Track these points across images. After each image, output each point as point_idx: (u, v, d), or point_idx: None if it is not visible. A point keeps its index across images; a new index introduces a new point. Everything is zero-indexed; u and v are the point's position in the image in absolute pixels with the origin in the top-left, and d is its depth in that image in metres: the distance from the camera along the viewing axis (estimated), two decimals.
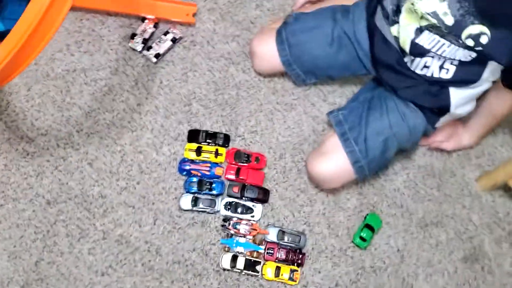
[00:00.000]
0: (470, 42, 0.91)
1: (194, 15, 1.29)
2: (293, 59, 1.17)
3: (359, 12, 1.12)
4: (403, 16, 0.97)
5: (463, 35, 0.91)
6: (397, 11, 0.99)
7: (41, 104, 1.22)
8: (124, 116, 1.23)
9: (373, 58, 1.10)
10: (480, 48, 0.91)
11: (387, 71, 1.08)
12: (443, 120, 1.10)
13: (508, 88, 1.00)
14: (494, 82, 1.03)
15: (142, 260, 1.16)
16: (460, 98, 1.02)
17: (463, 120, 1.20)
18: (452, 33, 0.91)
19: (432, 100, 1.05)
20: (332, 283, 1.18)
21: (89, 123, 1.22)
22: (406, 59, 1.03)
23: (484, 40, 0.90)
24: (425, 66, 1.01)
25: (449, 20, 0.91)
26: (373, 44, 1.08)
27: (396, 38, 1.01)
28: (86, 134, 1.21)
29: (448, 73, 1.00)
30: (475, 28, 0.89)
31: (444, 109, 1.05)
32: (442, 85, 1.02)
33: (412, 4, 0.93)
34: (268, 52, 1.19)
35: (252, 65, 1.26)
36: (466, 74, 0.99)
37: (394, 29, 1.01)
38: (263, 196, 1.21)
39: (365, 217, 1.21)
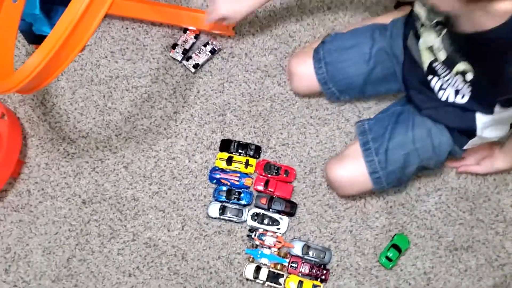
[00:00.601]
0: (460, 78, 0.92)
1: (234, 28, 1.32)
2: (329, 77, 1.17)
3: (397, 28, 1.12)
4: (422, 40, 0.97)
5: (454, 71, 0.92)
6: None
7: (84, 107, 1.28)
8: (161, 122, 1.27)
9: (403, 75, 1.10)
10: (468, 85, 0.92)
11: (413, 90, 1.08)
12: (472, 143, 1.07)
13: None
14: None
15: (168, 264, 1.19)
16: (486, 122, 1.00)
17: (501, 143, 1.17)
18: (446, 68, 0.92)
19: (456, 120, 1.03)
20: None
21: (127, 128, 1.27)
22: (429, 78, 1.02)
23: (469, 77, 0.91)
24: (441, 88, 1.00)
25: (443, 55, 0.92)
26: (404, 60, 1.08)
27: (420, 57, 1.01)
28: (124, 138, 1.26)
29: (463, 98, 0.99)
30: (463, 65, 0.90)
31: (470, 131, 1.03)
32: (466, 109, 1.00)
33: (420, 33, 0.94)
34: (306, 72, 1.20)
35: (290, 85, 1.27)
36: (481, 103, 0.97)
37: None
38: (290, 209, 1.22)
39: (392, 237, 1.20)
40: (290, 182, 1.24)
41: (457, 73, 0.93)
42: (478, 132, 1.02)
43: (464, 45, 0.87)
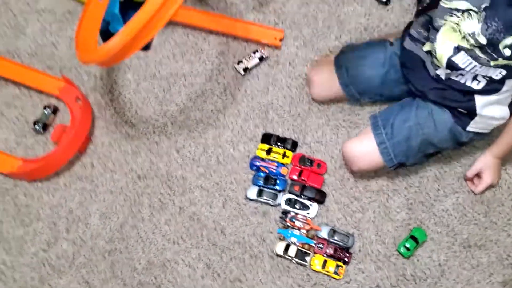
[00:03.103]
0: (508, 52, 1.05)
1: (281, 39, 1.51)
2: (349, 80, 1.34)
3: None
4: (442, 34, 1.12)
5: (501, 47, 1.05)
6: (430, 30, 1.15)
7: (145, 97, 1.47)
8: (211, 115, 1.45)
9: (402, 68, 1.28)
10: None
11: (415, 78, 1.25)
12: (476, 125, 1.21)
13: None
14: None
15: (208, 236, 1.33)
16: (485, 102, 1.16)
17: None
18: (489, 50, 1.06)
19: (455, 101, 1.19)
20: (373, 283, 1.28)
21: (182, 118, 1.45)
22: (439, 72, 1.17)
23: None
24: (460, 74, 1.15)
25: (483, 40, 1.06)
26: (404, 60, 1.27)
27: (429, 52, 1.17)
28: (178, 126, 1.44)
29: (479, 84, 1.14)
30: (509, 40, 1.04)
31: (470, 110, 1.18)
32: (467, 92, 1.15)
33: (457, 24, 1.08)
34: (324, 79, 1.38)
35: (309, 93, 1.44)
36: (492, 86, 1.13)
37: (426, 47, 1.18)
38: (320, 197, 1.36)
39: (411, 230, 1.32)
40: (321, 174, 1.38)
41: (504, 48, 1.05)
42: (478, 110, 1.17)
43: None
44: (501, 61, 1.08)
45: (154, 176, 1.39)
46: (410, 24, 1.27)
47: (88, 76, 1.49)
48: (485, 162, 1.32)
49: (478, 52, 1.09)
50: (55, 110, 1.45)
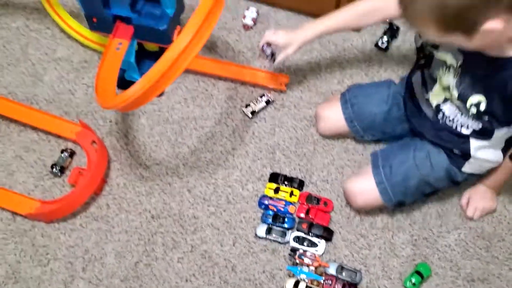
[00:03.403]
0: (474, 110, 1.14)
1: (286, 84, 1.59)
2: (354, 116, 1.42)
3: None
4: (437, 86, 1.22)
5: (467, 105, 1.14)
6: (429, 81, 1.25)
7: (159, 141, 1.54)
8: (221, 156, 1.51)
9: (405, 108, 1.35)
10: (481, 114, 1.14)
11: (413, 118, 1.33)
12: (469, 165, 1.28)
13: None
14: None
15: (220, 273, 1.38)
16: (479, 145, 1.23)
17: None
18: (460, 104, 1.16)
19: (451, 143, 1.26)
20: None
21: (193, 159, 1.51)
22: (434, 115, 1.26)
23: (482, 107, 1.12)
24: (450, 120, 1.23)
25: (455, 94, 1.16)
26: (406, 99, 1.35)
27: (428, 101, 1.26)
28: (190, 167, 1.50)
29: (467, 130, 1.21)
30: (476, 97, 1.12)
31: (465, 152, 1.25)
32: (461, 135, 1.23)
33: (441, 76, 1.17)
34: (331, 115, 1.46)
35: (316, 128, 1.52)
36: (482, 133, 1.21)
37: (427, 95, 1.27)
38: (327, 235, 1.41)
39: (416, 265, 1.37)
40: (328, 212, 1.44)
41: (470, 106, 1.13)
42: (472, 152, 1.24)
43: (482, 75, 1.07)
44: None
45: (167, 216, 1.44)
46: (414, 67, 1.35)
47: (104, 121, 1.56)
48: (474, 189, 1.41)
49: (459, 104, 1.17)
50: (72, 154, 1.52)
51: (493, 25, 0.89)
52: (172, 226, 1.43)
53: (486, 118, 1.16)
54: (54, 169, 1.49)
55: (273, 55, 1.50)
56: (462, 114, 1.20)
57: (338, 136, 1.51)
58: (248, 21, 1.68)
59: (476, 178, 1.39)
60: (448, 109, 1.22)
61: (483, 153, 1.25)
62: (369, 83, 1.49)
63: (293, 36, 1.35)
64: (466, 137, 1.23)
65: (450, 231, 1.42)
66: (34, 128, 1.56)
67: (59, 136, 1.55)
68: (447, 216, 1.43)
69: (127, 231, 1.43)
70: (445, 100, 1.21)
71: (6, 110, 1.56)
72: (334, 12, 1.33)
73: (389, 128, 1.42)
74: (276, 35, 1.38)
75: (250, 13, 1.69)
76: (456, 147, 1.27)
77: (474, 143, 1.23)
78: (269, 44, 1.44)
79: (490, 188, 1.39)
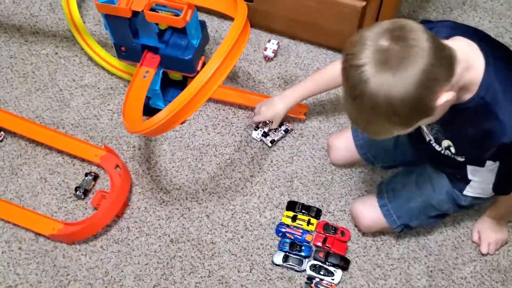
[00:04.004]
0: (448, 153, 1.20)
1: (305, 113, 1.63)
2: (364, 143, 1.46)
3: None
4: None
5: (442, 147, 1.20)
6: None
7: (179, 166, 1.58)
8: (239, 183, 1.55)
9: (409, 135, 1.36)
10: (454, 156, 1.20)
11: (418, 144, 1.34)
12: (471, 189, 1.30)
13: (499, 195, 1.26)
14: None
15: None
16: (475, 169, 1.25)
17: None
18: (437, 145, 1.22)
19: (449, 168, 1.29)
20: None
21: (212, 185, 1.55)
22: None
23: (453, 150, 1.18)
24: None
25: (431, 137, 1.22)
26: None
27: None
28: (209, 193, 1.54)
29: (461, 158, 1.22)
30: (446, 142, 1.18)
31: (464, 176, 1.27)
32: (458, 162, 1.24)
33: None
34: (341, 144, 1.50)
35: (328, 158, 1.56)
36: (473, 162, 1.23)
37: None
38: (344, 264, 1.42)
39: None
40: (345, 242, 1.45)
41: (445, 148, 1.20)
42: (470, 176, 1.26)
43: (446, 121, 1.09)
44: None
45: (186, 240, 1.47)
46: None
47: (128, 146, 1.61)
48: (481, 223, 1.42)
49: (437, 145, 1.23)
50: (95, 177, 1.56)
51: (445, 97, 0.94)
52: (191, 250, 1.46)
53: (463, 158, 1.20)
54: (77, 192, 1.53)
55: (266, 135, 1.60)
56: None
57: (350, 165, 1.55)
58: (269, 52, 1.73)
59: (483, 203, 1.39)
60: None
61: (482, 176, 1.26)
62: None
63: (276, 111, 1.54)
64: (462, 163, 1.24)
65: (466, 263, 1.42)
66: (59, 151, 1.61)
67: (83, 160, 1.59)
68: (463, 248, 1.44)
69: (146, 254, 1.46)
70: None
71: (33, 133, 1.62)
72: (306, 79, 1.53)
73: (400, 155, 1.44)
74: (262, 115, 1.56)
75: (271, 45, 1.74)
76: (454, 172, 1.30)
77: (470, 168, 1.25)
78: (257, 127, 1.60)
79: (496, 219, 1.40)
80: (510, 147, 1.04)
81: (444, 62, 0.94)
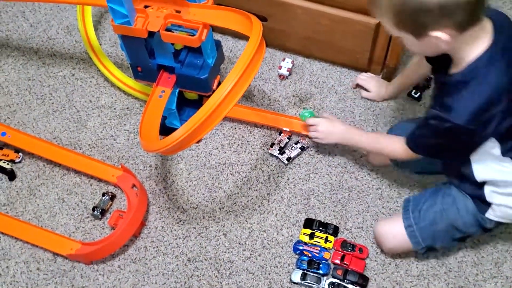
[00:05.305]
0: None
1: None
2: None
3: None
4: None
5: None
6: None
7: (196, 185, 1.58)
8: (256, 201, 1.55)
9: None
10: None
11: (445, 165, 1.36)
12: (493, 212, 1.28)
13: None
14: None
15: None
16: (493, 190, 1.25)
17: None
18: None
19: (469, 190, 1.29)
20: None
21: (229, 203, 1.55)
22: None
23: None
24: None
25: None
26: None
27: None
28: (226, 211, 1.54)
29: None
30: None
31: (482, 199, 1.27)
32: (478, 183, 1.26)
33: None
34: None
35: (367, 158, 1.57)
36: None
37: None
38: (362, 282, 1.40)
39: None
40: (363, 259, 1.44)
41: None
42: (488, 199, 1.26)
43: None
44: None
45: (203, 259, 1.47)
46: None
47: (144, 166, 1.62)
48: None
49: None
50: (112, 197, 1.57)
51: (441, 34, 1.01)
52: (208, 269, 1.45)
53: None
54: (95, 212, 1.54)
55: (282, 152, 1.61)
56: None
57: (383, 169, 1.57)
58: (284, 71, 1.74)
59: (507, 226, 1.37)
60: None
61: (501, 199, 1.25)
62: (411, 119, 1.57)
63: (380, 93, 1.67)
64: (481, 183, 1.25)
65: (486, 280, 1.40)
66: (77, 172, 1.62)
67: (100, 180, 1.60)
68: (483, 264, 1.42)
69: (164, 273, 1.45)
70: None
71: (50, 154, 1.64)
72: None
73: (425, 164, 1.42)
74: (368, 82, 1.68)
75: (286, 64, 1.75)
76: (473, 194, 1.29)
77: (487, 189, 1.25)
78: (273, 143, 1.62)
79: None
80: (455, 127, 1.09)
81: (470, 10, 0.99)
